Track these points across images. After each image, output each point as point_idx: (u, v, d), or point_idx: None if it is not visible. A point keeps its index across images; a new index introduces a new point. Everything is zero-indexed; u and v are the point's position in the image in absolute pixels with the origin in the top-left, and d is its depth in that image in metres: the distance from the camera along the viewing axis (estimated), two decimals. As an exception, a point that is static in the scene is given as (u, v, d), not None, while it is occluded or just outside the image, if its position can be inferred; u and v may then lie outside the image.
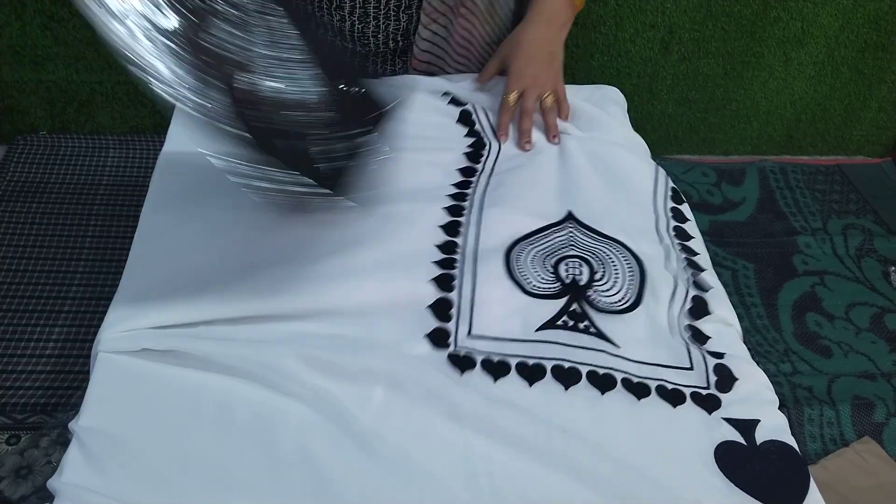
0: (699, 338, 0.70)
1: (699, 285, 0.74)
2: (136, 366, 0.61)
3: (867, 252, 1.93)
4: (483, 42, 1.04)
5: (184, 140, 0.85)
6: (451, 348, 0.66)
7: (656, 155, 2.20)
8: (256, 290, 0.68)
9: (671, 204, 0.86)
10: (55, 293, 1.51)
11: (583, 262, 0.74)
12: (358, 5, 0.95)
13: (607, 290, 0.73)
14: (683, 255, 0.77)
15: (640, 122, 2.17)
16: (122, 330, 0.64)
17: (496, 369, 0.65)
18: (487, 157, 0.88)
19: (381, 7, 0.96)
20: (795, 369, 1.59)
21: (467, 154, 0.88)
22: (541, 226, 0.78)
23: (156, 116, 1.90)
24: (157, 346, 0.62)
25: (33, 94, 1.82)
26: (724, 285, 1.78)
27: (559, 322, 0.69)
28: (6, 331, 1.42)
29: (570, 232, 0.78)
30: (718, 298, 0.73)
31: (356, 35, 0.99)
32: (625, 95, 2.03)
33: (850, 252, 1.93)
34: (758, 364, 1.48)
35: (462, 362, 0.65)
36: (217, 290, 0.67)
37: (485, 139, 0.90)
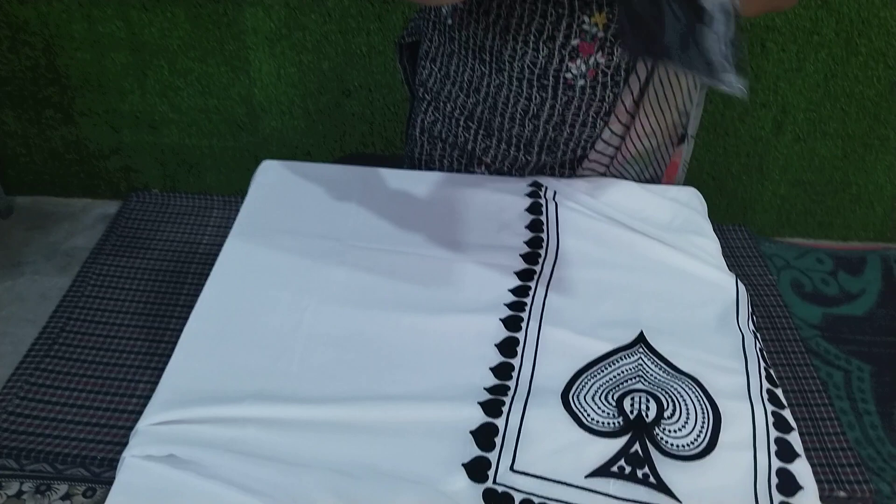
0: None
1: (783, 453, 0.66)
2: (159, 474, 0.60)
3: None
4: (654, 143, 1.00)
5: (253, 225, 0.87)
6: (490, 482, 0.61)
7: (766, 237, 2.08)
8: (299, 391, 0.66)
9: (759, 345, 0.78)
10: (147, 349, 1.57)
11: (651, 398, 0.68)
12: (556, 113, 0.93)
13: (677, 431, 0.66)
14: (772, 409, 0.69)
15: (748, 202, 2.07)
16: (159, 421, 0.64)
17: (536, 512, 0.59)
18: (546, 256, 0.84)
19: (580, 115, 0.93)
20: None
21: (525, 255, 0.84)
22: (606, 350, 0.73)
23: (258, 179, 1.98)
24: (185, 454, 0.61)
25: (148, 156, 1.95)
26: (835, 387, 1.64)
27: (614, 468, 0.62)
28: (97, 383, 1.48)
29: (640, 360, 0.72)
30: (802, 469, 0.65)
31: (546, 144, 0.96)
32: (732, 174, 1.94)
33: None
34: (868, 482, 1.34)
35: (499, 501, 0.60)
36: (255, 393, 0.66)
37: (543, 235, 0.86)
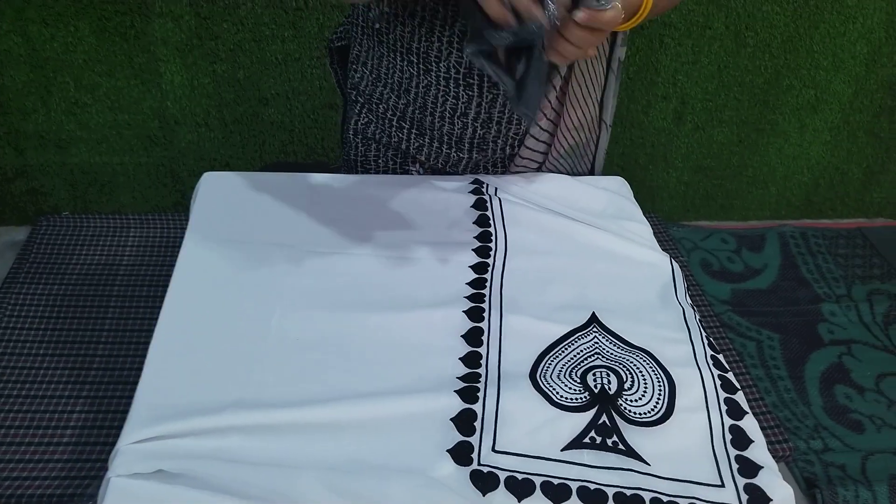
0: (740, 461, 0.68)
1: (733, 411, 0.72)
2: (150, 490, 0.59)
3: (895, 319, 1.89)
4: (576, 136, 1.04)
5: (205, 237, 0.86)
6: (475, 464, 0.64)
7: (673, 222, 2.20)
8: (277, 397, 0.67)
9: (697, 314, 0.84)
10: (74, 377, 1.50)
11: (611, 372, 0.73)
12: (483, 111, 0.96)
13: (637, 400, 0.71)
14: (718, 373, 0.76)
15: (656, 190, 2.19)
16: (140, 438, 0.63)
17: (520, 488, 0.63)
18: (496, 249, 0.88)
19: (505, 112, 0.96)
20: (826, 446, 1.54)
21: (476, 250, 0.88)
22: (564, 332, 0.77)
23: (175, 195, 1.93)
24: (173, 468, 0.61)
25: (57, 177, 1.86)
26: (749, 357, 1.76)
27: (586, 439, 0.67)
28: (24, 418, 1.41)
29: (595, 339, 0.77)
30: (751, 425, 0.71)
31: (476, 142, 0.99)
32: (639, 164, 2.05)
33: (878, 319, 1.89)
34: (787, 441, 1.45)
35: (485, 480, 0.63)
36: (234, 402, 0.67)
37: (491, 230, 0.91)
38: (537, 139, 1.01)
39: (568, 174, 1.05)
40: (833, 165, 2.15)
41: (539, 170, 1.05)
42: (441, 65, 0.92)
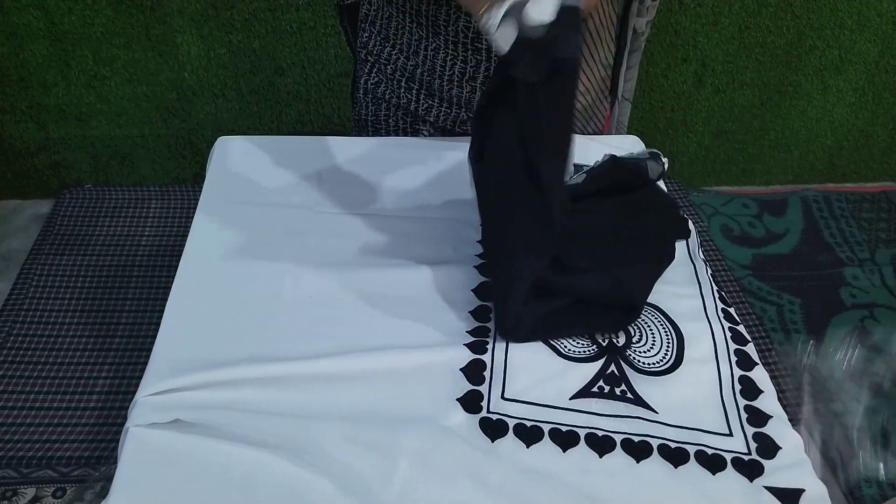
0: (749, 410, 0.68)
1: (743, 362, 0.72)
2: (167, 439, 0.61)
3: (919, 282, 1.86)
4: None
5: (219, 199, 0.87)
6: (484, 412, 0.65)
7: (694, 187, 2.17)
8: (292, 351, 0.69)
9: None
10: (99, 345, 1.54)
11: None
12: (491, 75, 0.94)
13: (646, 351, 0.71)
14: (728, 325, 0.75)
15: (676, 154, 2.16)
16: (157, 390, 0.65)
17: (529, 435, 0.63)
18: None
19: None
20: (847, 409, 1.53)
21: None
22: None
23: (195, 167, 1.95)
24: (189, 418, 0.63)
25: (78, 150, 1.89)
26: (769, 321, 1.75)
27: (594, 388, 0.67)
28: (52, 384, 1.45)
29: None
30: (761, 375, 0.71)
31: (464, 101, 0.99)
32: (659, 129, 2.02)
33: (901, 283, 1.86)
34: (808, 404, 1.44)
35: (494, 427, 0.64)
36: (249, 356, 0.68)
37: None
38: None
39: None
40: (857, 128, 2.11)
41: None
42: (450, 28, 0.92)
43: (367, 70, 1.04)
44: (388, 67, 1.00)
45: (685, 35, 1.87)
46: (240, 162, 0.94)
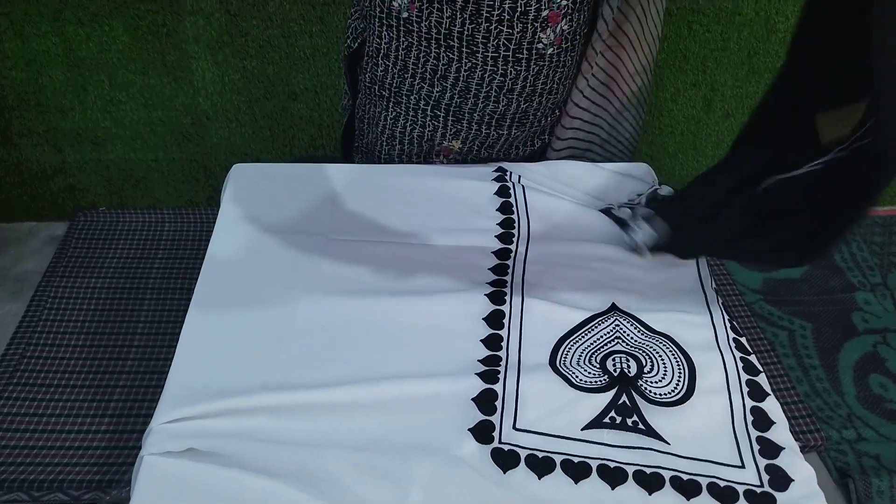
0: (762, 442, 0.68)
1: (755, 393, 0.72)
2: (181, 468, 0.62)
3: (932, 307, 1.85)
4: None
5: (234, 225, 0.88)
6: (496, 442, 0.65)
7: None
8: (305, 379, 0.69)
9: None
10: (111, 367, 1.54)
11: (630, 358, 0.73)
12: (528, 84, 0.96)
13: (657, 381, 0.71)
14: (740, 356, 0.76)
15: (685, 179, 2.16)
16: (172, 418, 0.65)
17: (541, 466, 0.64)
18: (518, 235, 0.89)
19: (548, 83, 0.98)
20: (860, 436, 1.52)
21: (499, 236, 0.89)
22: (585, 318, 0.78)
23: (208, 190, 1.97)
24: (203, 446, 0.63)
25: (94, 173, 1.91)
26: (781, 346, 1.74)
27: (606, 419, 0.67)
28: (65, 406, 1.45)
29: (616, 323, 0.78)
30: (773, 406, 0.71)
31: (518, 117, 1.00)
32: (668, 153, 2.02)
33: (914, 308, 1.85)
34: (820, 431, 1.44)
35: (506, 458, 0.64)
36: (262, 384, 0.69)
37: (514, 217, 0.91)
38: (593, 89, 1.02)
39: (632, 127, 1.06)
40: (868, 152, 2.11)
41: (592, 132, 1.06)
42: (489, 45, 0.92)
43: (384, 105, 1.04)
44: (411, 98, 1.01)
45: (694, 60, 1.88)
46: (254, 189, 0.96)
